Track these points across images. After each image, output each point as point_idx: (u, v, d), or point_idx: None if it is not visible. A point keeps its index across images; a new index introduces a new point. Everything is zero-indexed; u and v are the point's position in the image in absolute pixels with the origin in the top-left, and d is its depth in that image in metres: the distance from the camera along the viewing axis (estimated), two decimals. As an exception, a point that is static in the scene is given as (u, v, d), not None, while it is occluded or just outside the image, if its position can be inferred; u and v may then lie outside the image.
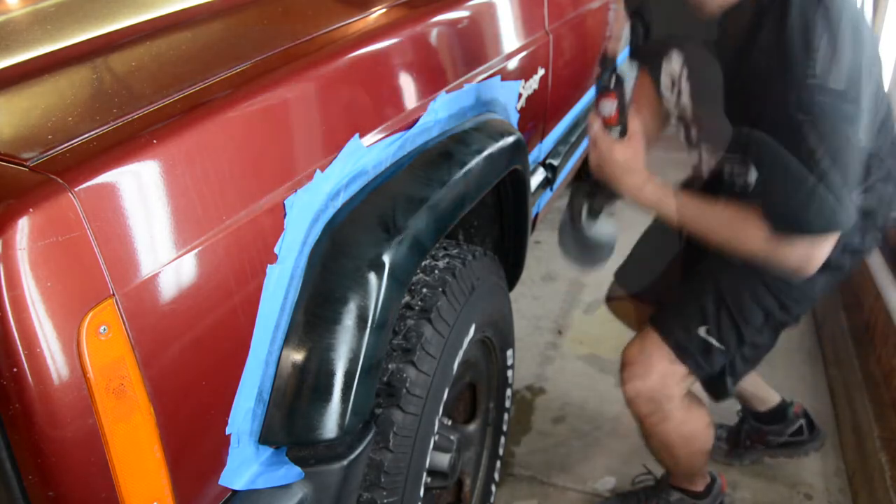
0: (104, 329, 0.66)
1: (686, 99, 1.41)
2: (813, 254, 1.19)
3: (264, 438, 0.89)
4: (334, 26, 1.09)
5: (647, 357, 1.43)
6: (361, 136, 1.01)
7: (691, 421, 1.50)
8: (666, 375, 1.42)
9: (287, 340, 0.90)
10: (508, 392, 1.66)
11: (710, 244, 1.28)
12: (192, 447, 0.79)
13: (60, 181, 0.64)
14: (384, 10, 1.20)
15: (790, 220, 1.16)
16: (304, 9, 1.23)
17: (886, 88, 2.32)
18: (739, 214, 1.22)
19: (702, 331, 1.41)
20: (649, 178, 1.35)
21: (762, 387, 1.86)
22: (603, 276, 2.89)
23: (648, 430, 1.51)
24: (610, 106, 1.31)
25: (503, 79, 1.46)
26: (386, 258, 0.95)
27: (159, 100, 0.79)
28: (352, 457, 0.97)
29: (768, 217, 1.18)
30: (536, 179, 1.82)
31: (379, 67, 1.08)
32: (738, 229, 1.23)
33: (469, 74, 1.33)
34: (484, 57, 1.40)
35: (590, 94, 2.37)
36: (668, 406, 1.45)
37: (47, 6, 1.12)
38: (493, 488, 1.67)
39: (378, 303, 0.93)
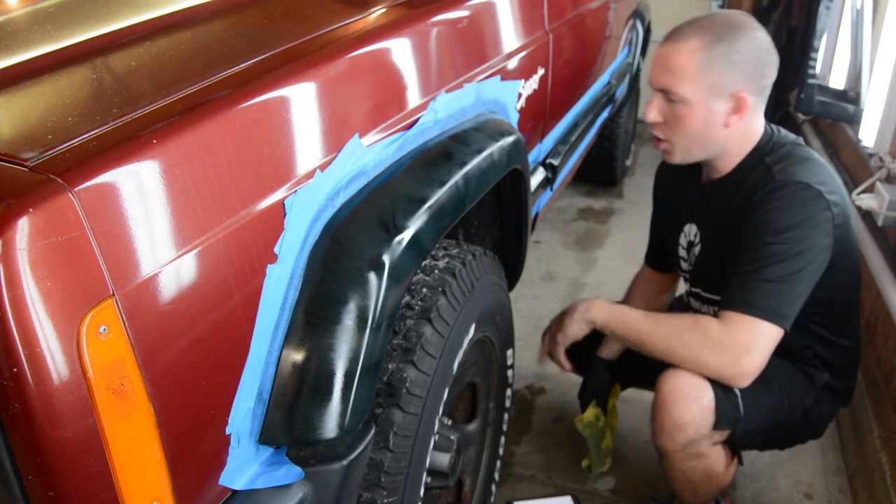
0: (104, 329, 0.66)
1: (696, 254, 1.61)
2: (754, 342, 1.33)
3: (264, 438, 0.89)
4: (334, 26, 1.09)
5: (693, 388, 1.39)
6: (361, 135, 1.01)
7: (719, 462, 1.50)
8: (711, 411, 1.40)
9: (287, 340, 0.90)
10: (508, 392, 1.66)
11: (649, 348, 1.44)
12: (192, 447, 0.79)
13: (60, 181, 0.64)
14: (384, 10, 1.20)
15: (745, 298, 1.34)
16: (304, 9, 1.23)
17: (886, 89, 2.33)
18: (688, 316, 1.42)
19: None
20: (592, 301, 1.56)
21: None
22: (604, 277, 2.90)
23: (674, 465, 1.49)
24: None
25: (503, 78, 1.46)
26: (386, 258, 0.95)
27: (159, 100, 0.79)
28: (352, 457, 0.97)
29: (726, 297, 1.38)
30: (536, 179, 1.82)
31: (379, 67, 1.08)
32: (687, 325, 1.39)
33: (469, 74, 1.33)
34: (484, 57, 1.40)
35: (590, 93, 2.37)
36: (703, 444, 1.44)
37: (47, 6, 1.11)
38: (494, 488, 1.67)
39: (378, 303, 0.93)
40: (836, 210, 1.37)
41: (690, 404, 1.38)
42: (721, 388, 1.40)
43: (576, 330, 1.56)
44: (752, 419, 1.44)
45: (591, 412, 1.73)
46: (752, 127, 1.46)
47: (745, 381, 1.37)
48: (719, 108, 1.40)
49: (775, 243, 1.34)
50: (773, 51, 1.41)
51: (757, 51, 1.38)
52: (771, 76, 1.41)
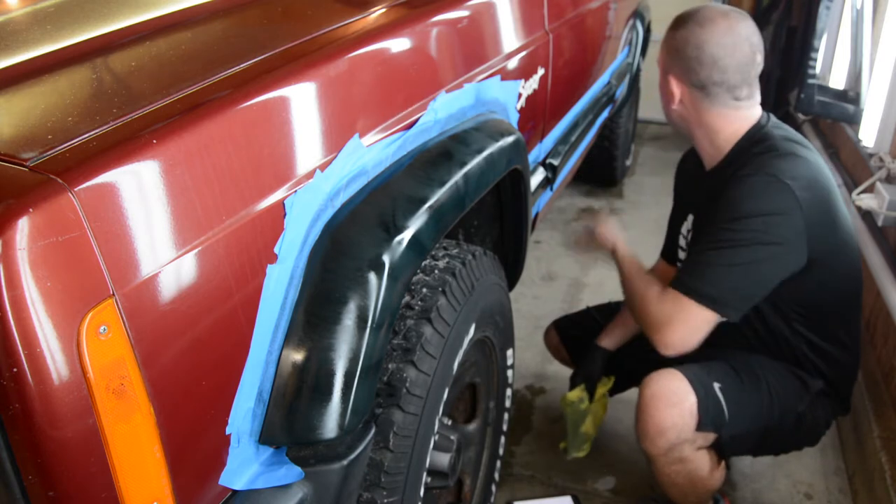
0: (104, 329, 0.66)
1: (689, 242, 1.67)
2: (676, 317, 1.38)
3: (264, 438, 0.89)
4: (334, 26, 1.09)
5: (674, 393, 1.41)
6: (361, 136, 1.01)
7: (703, 467, 1.50)
8: (693, 415, 1.41)
9: (287, 340, 0.90)
10: (508, 392, 1.66)
11: (629, 295, 1.55)
12: (192, 447, 0.79)
13: (60, 181, 0.64)
14: (384, 10, 1.20)
15: (682, 276, 1.40)
16: (304, 9, 1.23)
17: (886, 89, 2.33)
18: (654, 283, 1.49)
19: (716, 386, 1.44)
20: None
21: None
22: (604, 276, 2.90)
23: (659, 468, 1.50)
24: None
25: (503, 78, 1.46)
26: (386, 258, 0.95)
27: (159, 100, 0.79)
28: (352, 457, 0.97)
29: (677, 276, 1.43)
30: (536, 179, 1.82)
31: (379, 67, 1.08)
32: (644, 287, 1.49)
33: (469, 74, 1.33)
34: (484, 57, 1.40)
35: (590, 93, 2.37)
36: (687, 448, 1.45)
37: (47, 6, 1.12)
38: (494, 488, 1.67)
39: (378, 303, 0.93)
40: (809, 210, 1.34)
41: (671, 409, 1.40)
42: (703, 391, 1.41)
43: (600, 243, 1.70)
44: (738, 423, 1.45)
45: (576, 393, 1.73)
46: (717, 120, 1.46)
47: (666, 351, 1.41)
48: (666, 87, 1.49)
49: (725, 229, 1.35)
50: (724, 55, 1.39)
51: (693, 45, 1.41)
52: (706, 74, 1.41)
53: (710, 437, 1.47)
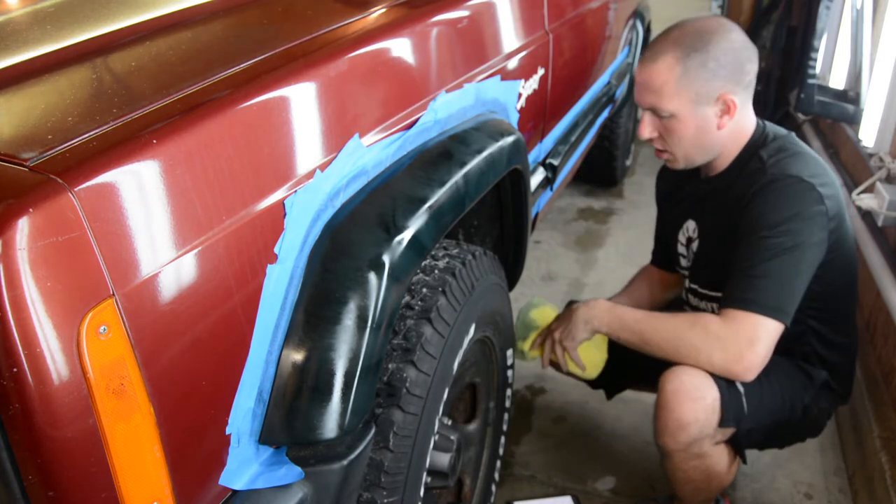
0: (104, 329, 0.66)
1: (695, 250, 1.63)
2: (756, 337, 1.34)
3: (264, 438, 0.89)
4: (334, 26, 1.09)
5: (696, 388, 1.39)
6: (361, 135, 1.01)
7: (721, 462, 1.49)
8: (715, 410, 1.40)
9: (287, 340, 0.90)
10: (508, 392, 1.66)
11: (653, 349, 1.45)
12: (192, 447, 0.79)
13: (60, 181, 0.64)
14: (384, 10, 1.20)
15: (744, 295, 1.36)
16: (304, 9, 1.23)
17: (886, 89, 2.33)
18: (688, 314, 1.44)
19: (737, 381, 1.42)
20: (594, 305, 1.57)
21: None
22: (604, 276, 2.90)
23: (676, 464, 1.48)
24: None
25: (503, 78, 1.46)
26: (386, 258, 0.95)
27: (159, 100, 0.79)
28: (352, 457, 0.97)
29: (726, 295, 1.39)
30: (536, 179, 1.82)
31: (379, 67, 1.08)
32: (688, 323, 1.41)
33: (469, 74, 1.33)
34: (484, 56, 1.40)
35: (590, 93, 2.37)
36: (706, 444, 1.44)
37: (47, 6, 1.12)
38: (494, 488, 1.67)
39: (378, 303, 0.93)
40: (830, 203, 1.38)
41: (694, 404, 1.38)
42: (725, 385, 1.40)
43: (582, 335, 1.58)
44: (756, 416, 1.44)
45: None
46: (744, 122, 1.48)
47: (750, 376, 1.37)
48: (709, 114, 1.42)
49: (770, 237, 1.35)
50: (750, 46, 1.42)
51: (732, 52, 1.39)
52: (752, 70, 1.43)
53: (729, 431, 1.46)
